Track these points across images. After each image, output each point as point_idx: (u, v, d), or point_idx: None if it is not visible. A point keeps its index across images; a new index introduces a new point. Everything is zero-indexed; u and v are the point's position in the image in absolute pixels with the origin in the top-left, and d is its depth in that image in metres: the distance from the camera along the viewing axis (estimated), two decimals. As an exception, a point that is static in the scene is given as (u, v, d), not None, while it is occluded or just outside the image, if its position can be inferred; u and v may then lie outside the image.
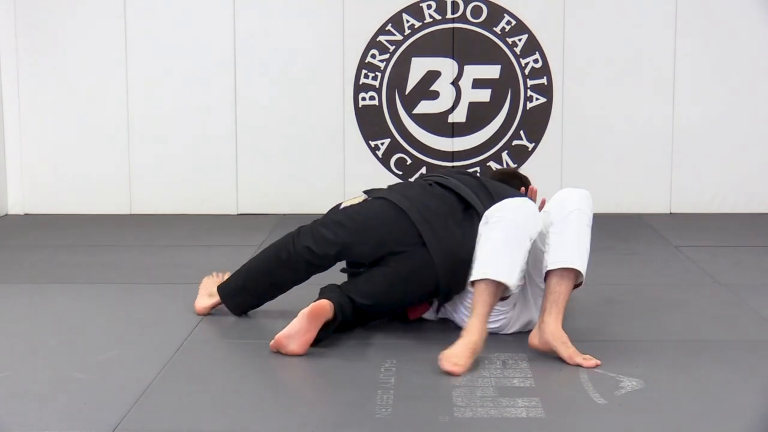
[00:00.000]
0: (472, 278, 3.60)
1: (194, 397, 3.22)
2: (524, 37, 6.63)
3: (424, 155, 6.71)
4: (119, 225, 6.41)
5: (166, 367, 3.49)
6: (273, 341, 3.61)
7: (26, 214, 6.82)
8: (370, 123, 6.72)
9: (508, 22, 6.63)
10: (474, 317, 3.51)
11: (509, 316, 3.87)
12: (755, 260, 5.26)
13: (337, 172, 6.74)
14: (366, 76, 6.69)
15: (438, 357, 3.44)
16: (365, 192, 4.08)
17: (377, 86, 6.69)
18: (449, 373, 3.38)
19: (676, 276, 4.91)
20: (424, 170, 6.67)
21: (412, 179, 6.63)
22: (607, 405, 3.11)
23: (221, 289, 4.10)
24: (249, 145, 6.74)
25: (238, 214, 6.78)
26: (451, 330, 3.93)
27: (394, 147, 6.72)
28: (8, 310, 4.38)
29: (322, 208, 6.60)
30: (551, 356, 3.58)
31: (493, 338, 3.83)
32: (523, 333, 3.89)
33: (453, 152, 6.71)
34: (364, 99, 6.71)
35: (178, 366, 3.53)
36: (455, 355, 3.43)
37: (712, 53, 6.61)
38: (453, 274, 3.78)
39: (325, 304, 3.64)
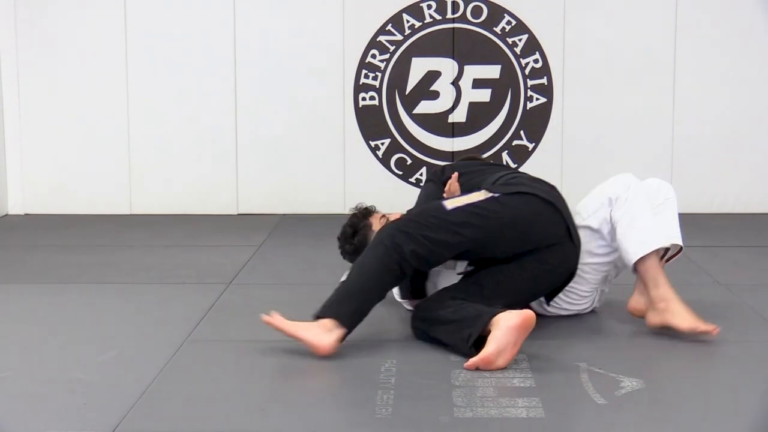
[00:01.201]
0: (646, 252, 3.79)
1: (194, 397, 3.22)
2: (524, 37, 6.63)
3: (424, 155, 6.71)
4: (119, 225, 6.41)
5: (166, 367, 3.49)
6: (477, 359, 3.40)
7: (26, 215, 6.82)
8: (370, 123, 6.72)
9: (509, 22, 6.63)
10: (667, 286, 3.81)
11: (599, 289, 4.07)
12: (755, 260, 5.26)
13: (338, 172, 6.74)
14: (366, 76, 6.69)
15: (688, 330, 3.68)
16: (488, 189, 3.90)
17: (377, 86, 6.69)
18: (709, 332, 3.66)
19: (675, 276, 4.88)
20: (424, 170, 6.66)
21: (414, 176, 6.63)
22: (608, 405, 3.11)
23: (342, 317, 3.60)
24: (249, 145, 6.74)
25: (238, 214, 6.78)
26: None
27: (395, 147, 6.71)
28: (8, 310, 4.38)
29: (322, 208, 6.71)
30: (551, 356, 3.58)
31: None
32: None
33: (453, 152, 6.70)
34: (364, 99, 6.71)
35: (178, 366, 3.52)
36: (693, 318, 3.71)
37: (712, 54, 6.61)
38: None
39: (533, 315, 3.46)
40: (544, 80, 6.66)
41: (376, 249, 3.66)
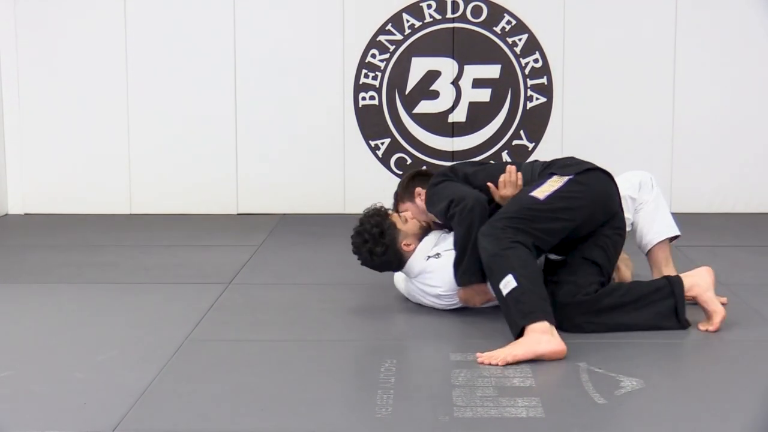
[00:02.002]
0: (671, 234, 4.31)
1: (194, 397, 3.22)
2: (524, 36, 6.63)
3: (424, 155, 6.71)
4: (119, 225, 6.41)
5: (166, 367, 3.49)
6: (720, 316, 3.83)
7: (26, 214, 6.82)
8: (370, 123, 6.72)
9: (509, 22, 6.63)
10: (674, 267, 4.29)
11: None
12: (755, 260, 5.25)
13: (338, 172, 6.74)
14: (366, 76, 6.69)
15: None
16: (559, 173, 4.03)
17: (377, 86, 6.69)
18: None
19: (676, 276, 4.91)
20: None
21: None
22: (607, 404, 3.11)
23: (547, 313, 3.62)
24: (249, 145, 6.74)
25: (238, 214, 6.78)
26: (450, 329, 3.93)
27: (394, 147, 6.71)
28: (8, 310, 4.38)
29: (322, 207, 6.71)
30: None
31: (493, 338, 3.83)
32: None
33: (453, 152, 6.70)
34: (364, 99, 6.71)
35: (178, 366, 3.52)
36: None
37: (712, 53, 6.60)
38: None
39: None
40: (544, 80, 6.66)
41: (509, 250, 3.71)
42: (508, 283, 3.64)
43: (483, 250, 3.79)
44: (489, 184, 4.16)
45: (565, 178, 3.97)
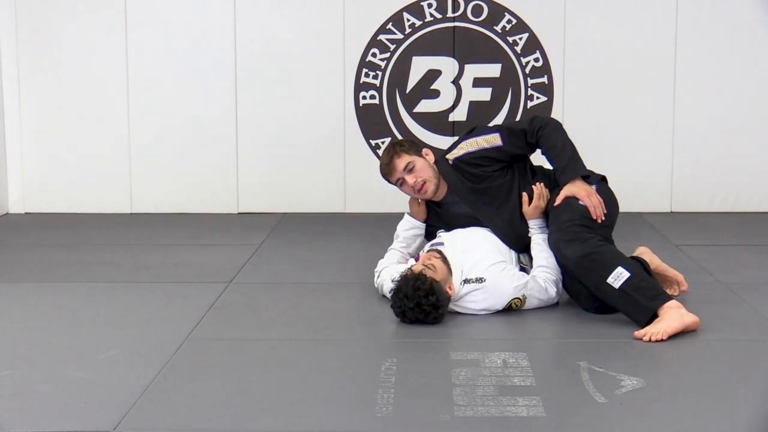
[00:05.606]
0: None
1: (194, 396, 3.22)
2: (525, 36, 6.63)
3: (424, 154, 6.70)
4: (119, 224, 6.41)
5: (166, 367, 3.49)
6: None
7: (27, 213, 6.82)
8: (370, 122, 6.72)
9: (509, 21, 6.62)
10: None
11: None
12: (756, 259, 5.25)
13: (338, 171, 6.73)
14: (367, 75, 6.69)
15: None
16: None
17: (378, 85, 6.69)
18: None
19: (676, 275, 4.90)
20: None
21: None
22: (608, 404, 3.11)
23: (666, 296, 3.91)
24: (249, 144, 6.74)
25: (238, 213, 6.78)
26: (450, 328, 3.93)
27: (395, 146, 6.70)
28: (8, 309, 4.38)
29: (323, 207, 6.71)
30: (551, 355, 3.58)
31: (494, 337, 3.83)
32: (523, 330, 3.90)
33: (453, 151, 6.69)
34: (364, 98, 6.70)
35: (179, 365, 3.52)
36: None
37: (712, 53, 6.60)
38: None
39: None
40: (545, 79, 6.66)
41: (602, 248, 3.93)
42: (620, 275, 3.83)
43: (572, 255, 3.94)
44: (524, 194, 4.32)
45: (594, 187, 4.21)
